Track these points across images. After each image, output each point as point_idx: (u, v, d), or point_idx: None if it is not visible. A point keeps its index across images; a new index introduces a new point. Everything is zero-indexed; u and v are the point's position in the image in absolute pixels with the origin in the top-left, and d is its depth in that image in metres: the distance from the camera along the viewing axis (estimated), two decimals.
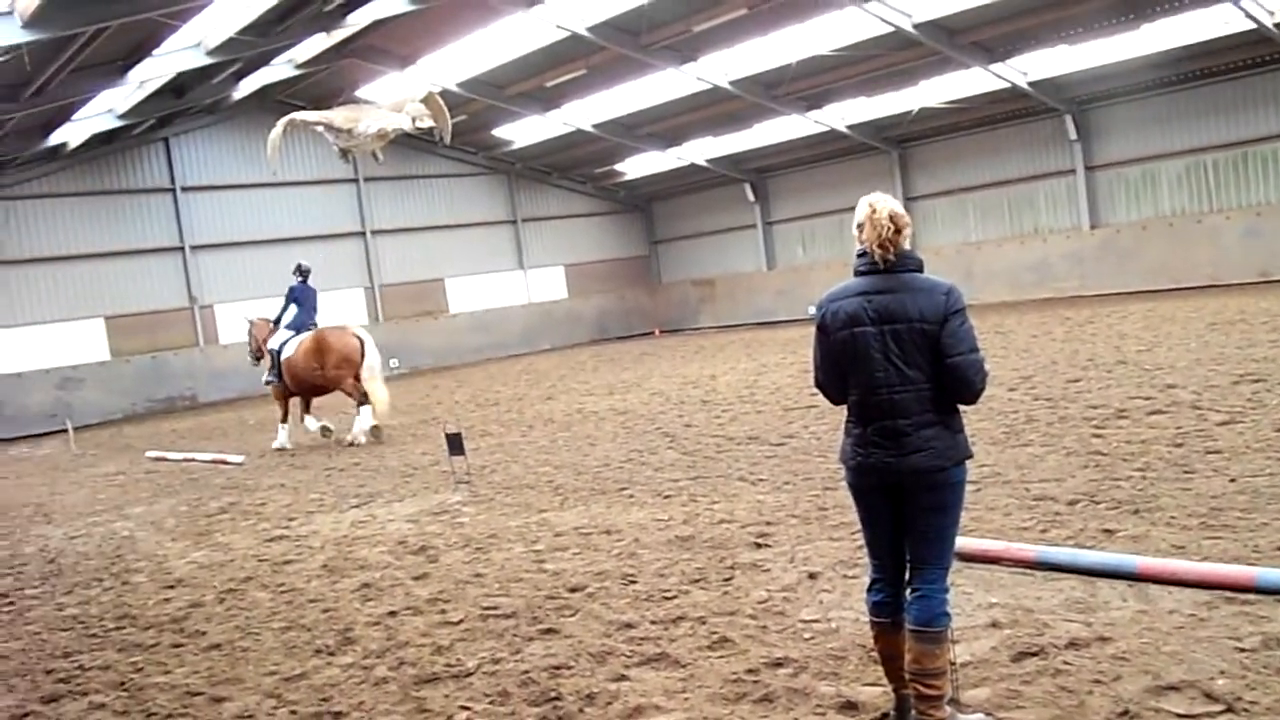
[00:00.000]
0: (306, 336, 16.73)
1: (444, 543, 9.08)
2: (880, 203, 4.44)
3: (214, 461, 16.60)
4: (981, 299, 28.24)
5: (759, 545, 7.68)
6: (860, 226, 4.48)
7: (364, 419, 16.39)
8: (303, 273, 17.44)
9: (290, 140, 27.47)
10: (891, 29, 23.57)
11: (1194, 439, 9.28)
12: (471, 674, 5.82)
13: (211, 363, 30.69)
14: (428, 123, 17.38)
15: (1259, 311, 18.42)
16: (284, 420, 17.14)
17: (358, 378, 16.32)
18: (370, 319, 33.68)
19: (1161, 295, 24.87)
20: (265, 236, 31.90)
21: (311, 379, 16.65)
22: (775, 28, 24.30)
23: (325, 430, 17.10)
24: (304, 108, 26.88)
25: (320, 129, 17.16)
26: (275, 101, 30.10)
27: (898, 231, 4.40)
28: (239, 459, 16.27)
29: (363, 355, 16.31)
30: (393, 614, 7.14)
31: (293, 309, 17.29)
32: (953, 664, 4.63)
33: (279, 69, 26.31)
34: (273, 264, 31.80)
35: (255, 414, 24.67)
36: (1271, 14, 21.92)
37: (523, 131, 33.39)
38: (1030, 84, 26.38)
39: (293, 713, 5.63)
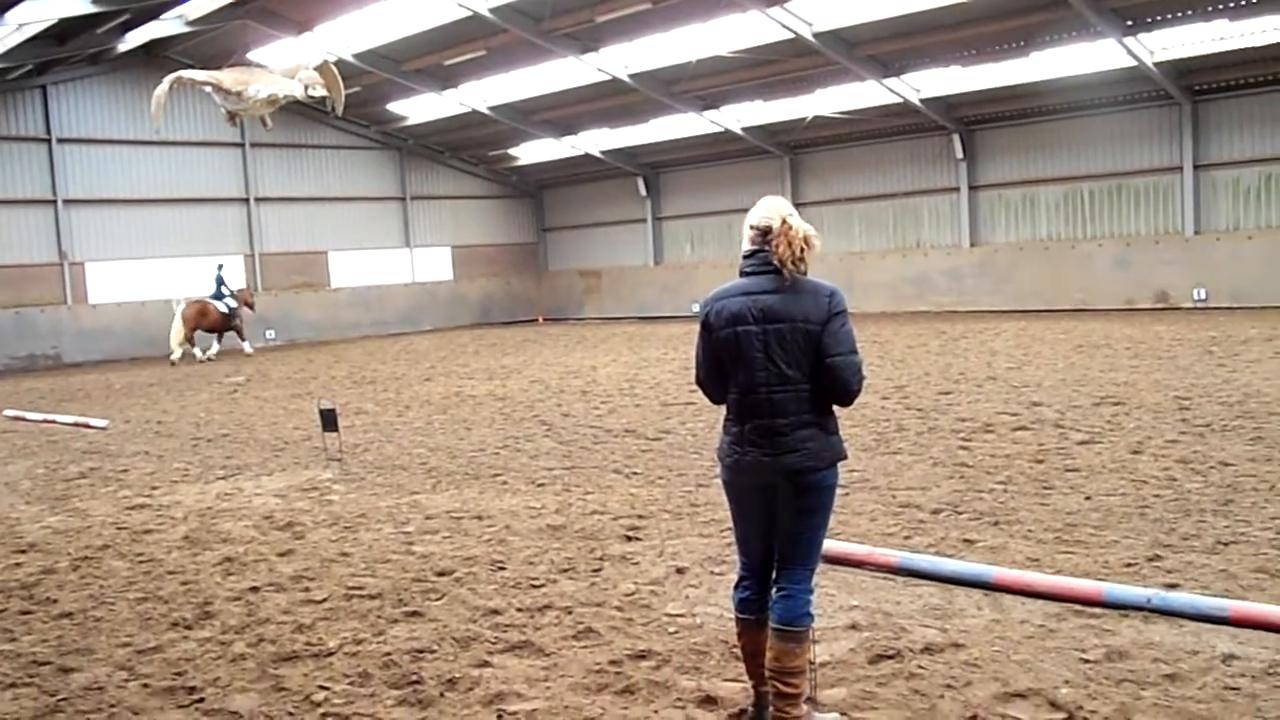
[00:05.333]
0: None
1: (311, 520, 8.94)
2: (793, 218, 4.44)
3: (76, 424, 16.10)
4: (862, 308, 28.76)
5: (629, 538, 7.73)
6: (760, 230, 4.49)
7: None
8: (219, 267, 28.36)
9: (176, 99, 26.84)
10: (792, 35, 23.87)
11: (1055, 456, 9.60)
12: (332, 654, 5.74)
13: (79, 322, 29.68)
14: (320, 92, 17.20)
15: (1123, 338, 19.13)
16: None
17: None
18: (249, 287, 32.97)
19: (1033, 316, 25.65)
20: (144, 196, 30.93)
21: None
22: (677, 24, 24.45)
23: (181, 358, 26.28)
24: (193, 66, 26.21)
25: (208, 89, 16.84)
26: (163, 58, 29.17)
27: (808, 248, 4.46)
28: (103, 423, 15.80)
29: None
30: (254, 590, 7.01)
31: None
32: (812, 663, 4.71)
33: (169, 24, 25.52)
34: (151, 224, 30.98)
35: (122, 377, 23.96)
36: (1151, 53, 22.75)
37: (417, 108, 33.02)
38: (922, 101, 26.96)
39: (145, 686, 5.47)
